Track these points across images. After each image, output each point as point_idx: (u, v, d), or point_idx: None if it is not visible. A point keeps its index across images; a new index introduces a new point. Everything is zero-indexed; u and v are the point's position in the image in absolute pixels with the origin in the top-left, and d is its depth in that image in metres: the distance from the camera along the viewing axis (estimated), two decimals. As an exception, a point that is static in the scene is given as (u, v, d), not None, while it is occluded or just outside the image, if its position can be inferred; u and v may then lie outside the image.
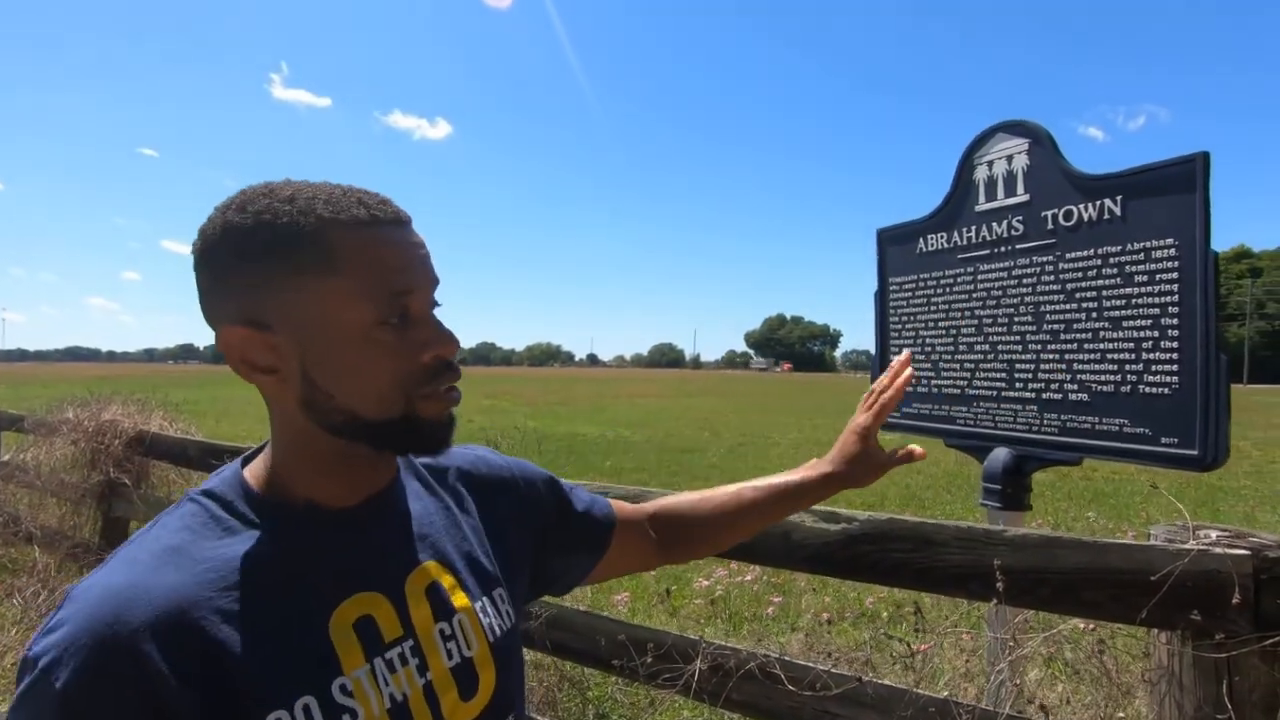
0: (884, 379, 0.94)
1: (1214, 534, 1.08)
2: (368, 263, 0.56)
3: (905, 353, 0.99)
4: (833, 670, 1.35)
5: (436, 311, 0.62)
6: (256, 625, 0.54)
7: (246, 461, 0.64)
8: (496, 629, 0.68)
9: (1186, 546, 1.03)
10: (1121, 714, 1.23)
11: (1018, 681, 1.25)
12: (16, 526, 3.49)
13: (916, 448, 0.93)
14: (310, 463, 0.60)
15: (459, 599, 0.66)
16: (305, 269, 0.55)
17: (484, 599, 0.69)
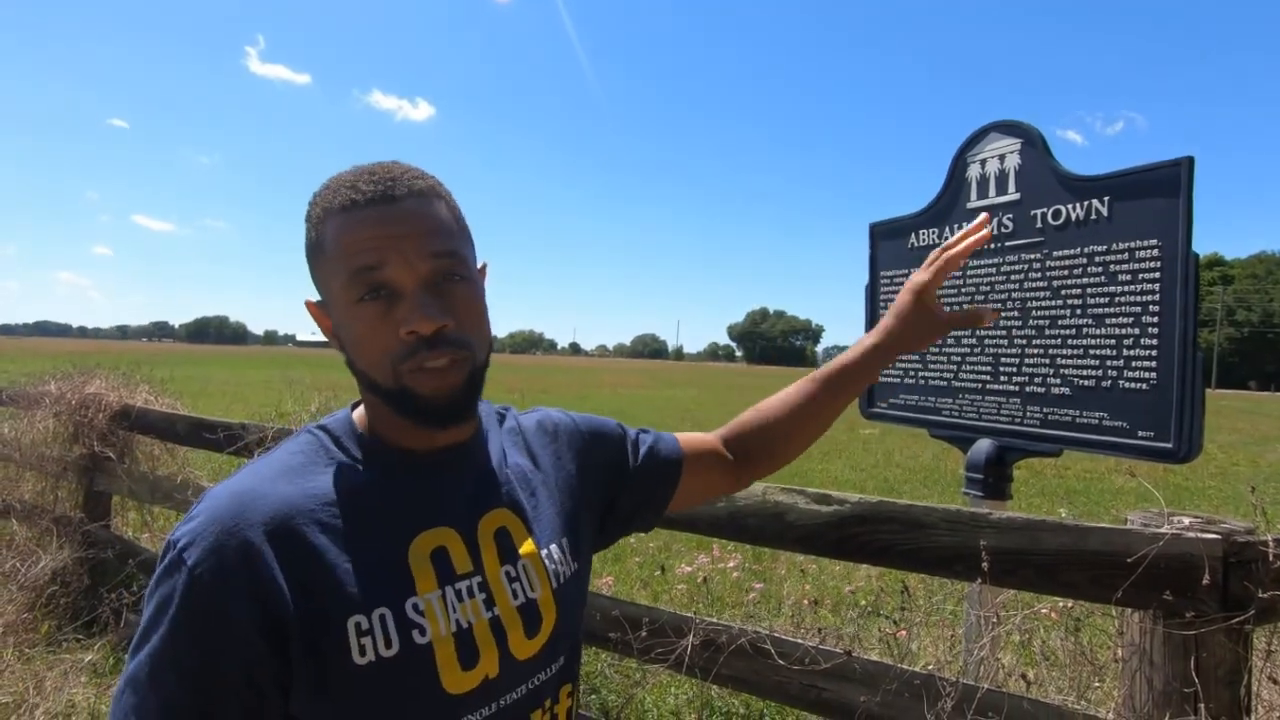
0: (956, 236, 0.91)
1: (1188, 520, 1.14)
2: (341, 244, 0.62)
3: (984, 214, 0.93)
4: (821, 646, 1.40)
5: (459, 283, 0.64)
6: (348, 540, 0.61)
7: (355, 407, 0.73)
8: (561, 575, 0.73)
9: (1163, 531, 1.09)
10: (1097, 684, 1.30)
11: (997, 656, 1.31)
12: (-7, 500, 3.44)
13: (987, 308, 0.92)
14: (380, 414, 0.68)
15: (526, 545, 0.72)
16: (314, 253, 0.66)
17: (550, 546, 0.74)
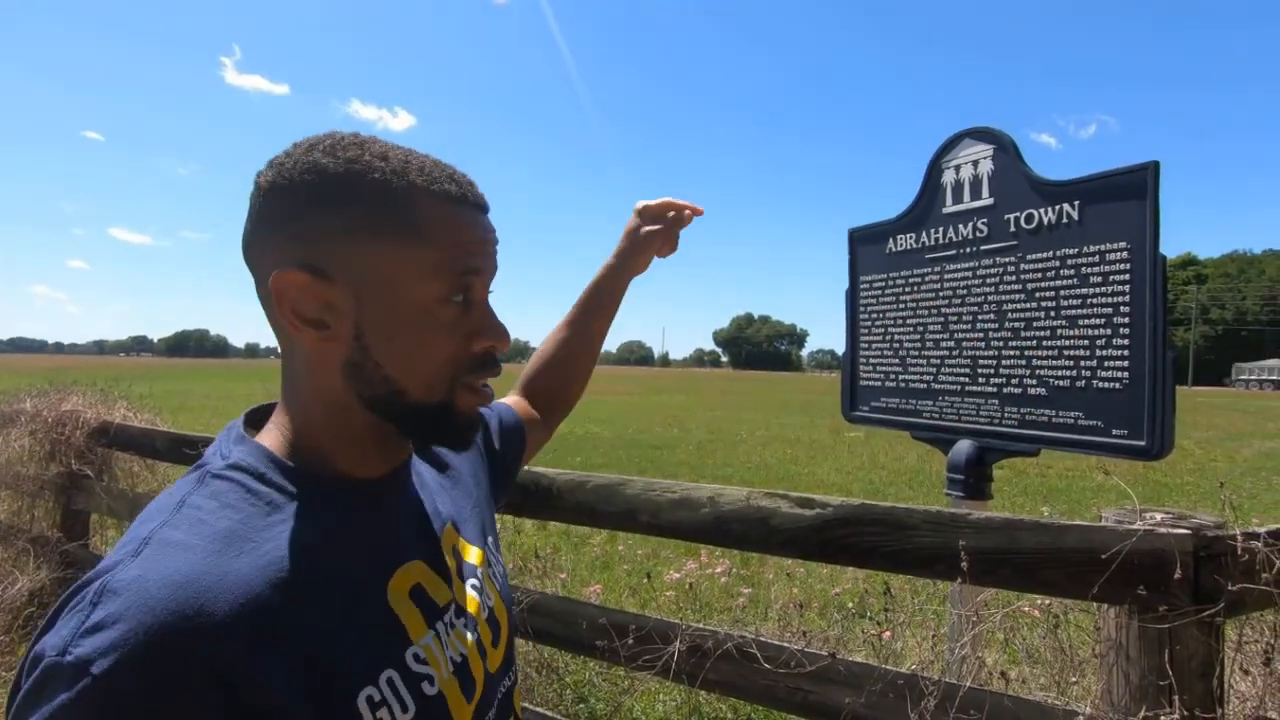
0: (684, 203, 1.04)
1: (1159, 516, 1.17)
2: (450, 238, 0.55)
3: (700, 208, 1.06)
4: (806, 649, 1.41)
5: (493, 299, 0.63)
6: (329, 607, 0.51)
7: (248, 431, 0.59)
8: (499, 576, 0.73)
9: (1135, 527, 1.11)
10: (1073, 680, 1.32)
11: (979, 655, 1.33)
12: (-33, 521, 3.37)
13: (689, 209, 1.04)
14: (343, 433, 0.57)
15: (472, 554, 0.69)
16: (385, 229, 0.53)
17: (484, 548, 0.72)
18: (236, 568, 0.47)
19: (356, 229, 0.53)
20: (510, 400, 0.98)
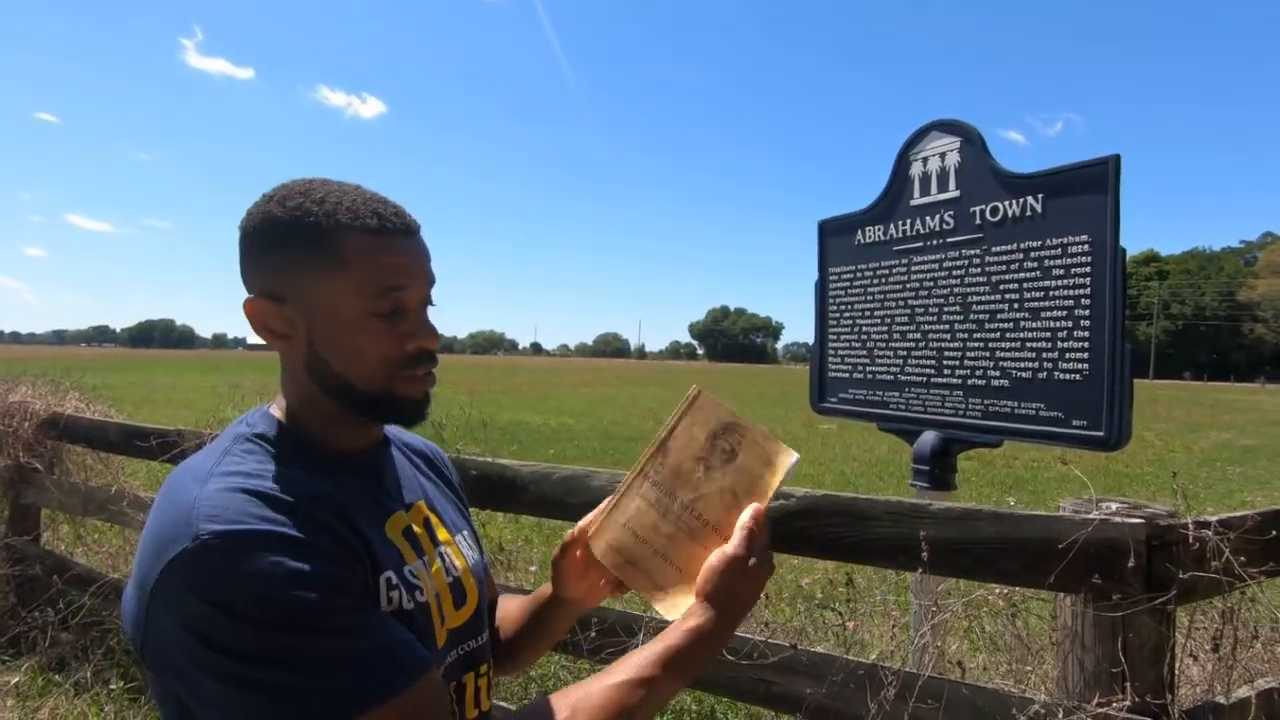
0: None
1: (1114, 505, 1.18)
2: (370, 265, 0.68)
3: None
4: (770, 640, 1.41)
5: (432, 309, 0.75)
6: (355, 518, 0.67)
7: (256, 422, 0.74)
8: (471, 558, 0.84)
9: (1090, 517, 1.12)
10: (1028, 668, 1.33)
11: (938, 645, 1.34)
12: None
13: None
14: (319, 414, 0.73)
15: (442, 533, 0.82)
16: (320, 262, 0.68)
17: (461, 534, 0.85)
18: (286, 477, 0.65)
19: (298, 263, 0.68)
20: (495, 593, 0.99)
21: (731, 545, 0.74)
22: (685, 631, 0.70)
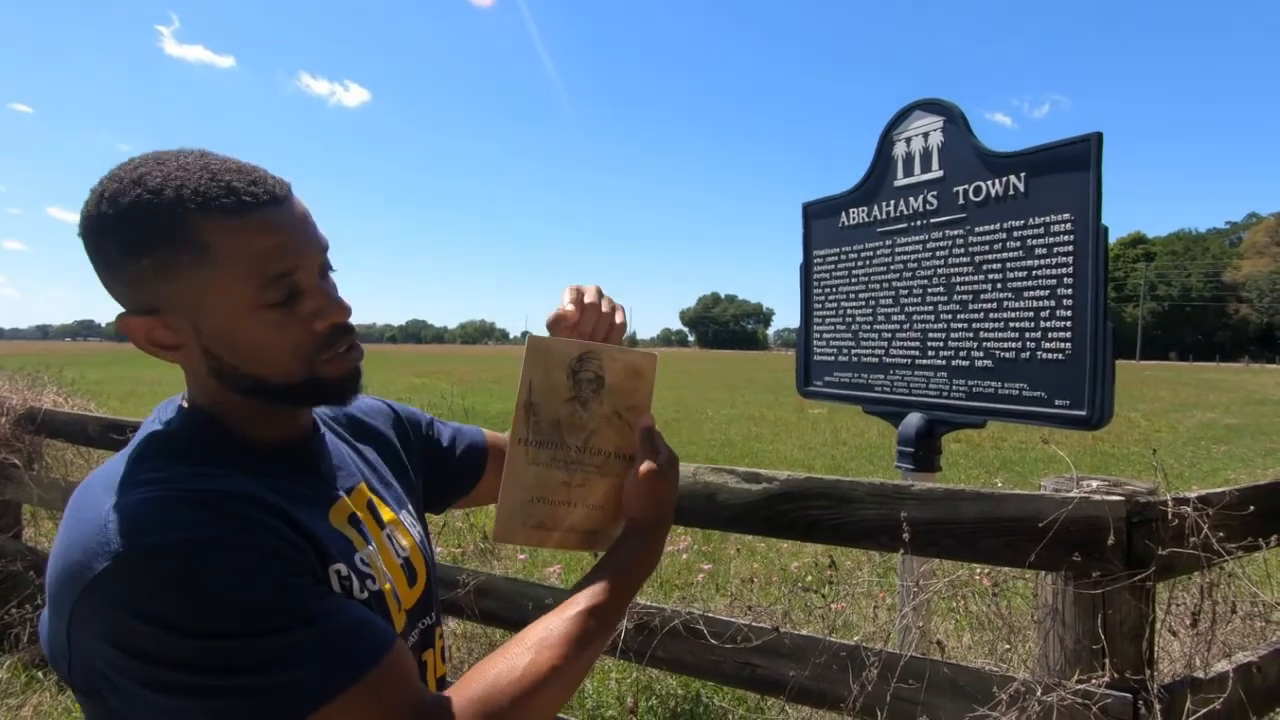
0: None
1: (1095, 483, 1.18)
2: (241, 252, 0.59)
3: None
4: (753, 624, 1.41)
5: (333, 274, 0.67)
6: (298, 511, 0.63)
7: (170, 416, 0.69)
8: (416, 535, 0.81)
9: (1071, 495, 1.12)
10: (1006, 646, 1.33)
11: (920, 625, 1.34)
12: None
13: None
14: (238, 413, 0.66)
15: (387, 513, 0.78)
16: (183, 264, 0.58)
17: (403, 511, 0.81)
18: (215, 477, 0.60)
19: (159, 268, 0.58)
20: (491, 433, 1.01)
21: (643, 462, 0.74)
22: (629, 550, 0.73)
